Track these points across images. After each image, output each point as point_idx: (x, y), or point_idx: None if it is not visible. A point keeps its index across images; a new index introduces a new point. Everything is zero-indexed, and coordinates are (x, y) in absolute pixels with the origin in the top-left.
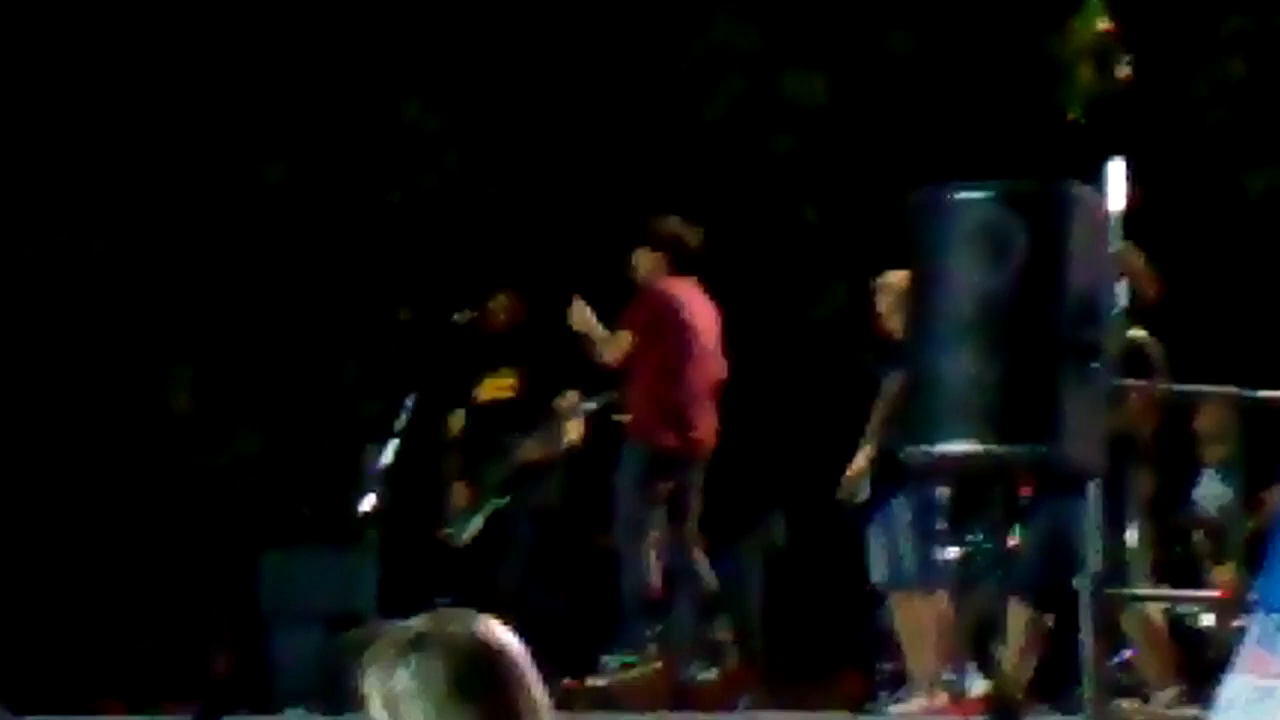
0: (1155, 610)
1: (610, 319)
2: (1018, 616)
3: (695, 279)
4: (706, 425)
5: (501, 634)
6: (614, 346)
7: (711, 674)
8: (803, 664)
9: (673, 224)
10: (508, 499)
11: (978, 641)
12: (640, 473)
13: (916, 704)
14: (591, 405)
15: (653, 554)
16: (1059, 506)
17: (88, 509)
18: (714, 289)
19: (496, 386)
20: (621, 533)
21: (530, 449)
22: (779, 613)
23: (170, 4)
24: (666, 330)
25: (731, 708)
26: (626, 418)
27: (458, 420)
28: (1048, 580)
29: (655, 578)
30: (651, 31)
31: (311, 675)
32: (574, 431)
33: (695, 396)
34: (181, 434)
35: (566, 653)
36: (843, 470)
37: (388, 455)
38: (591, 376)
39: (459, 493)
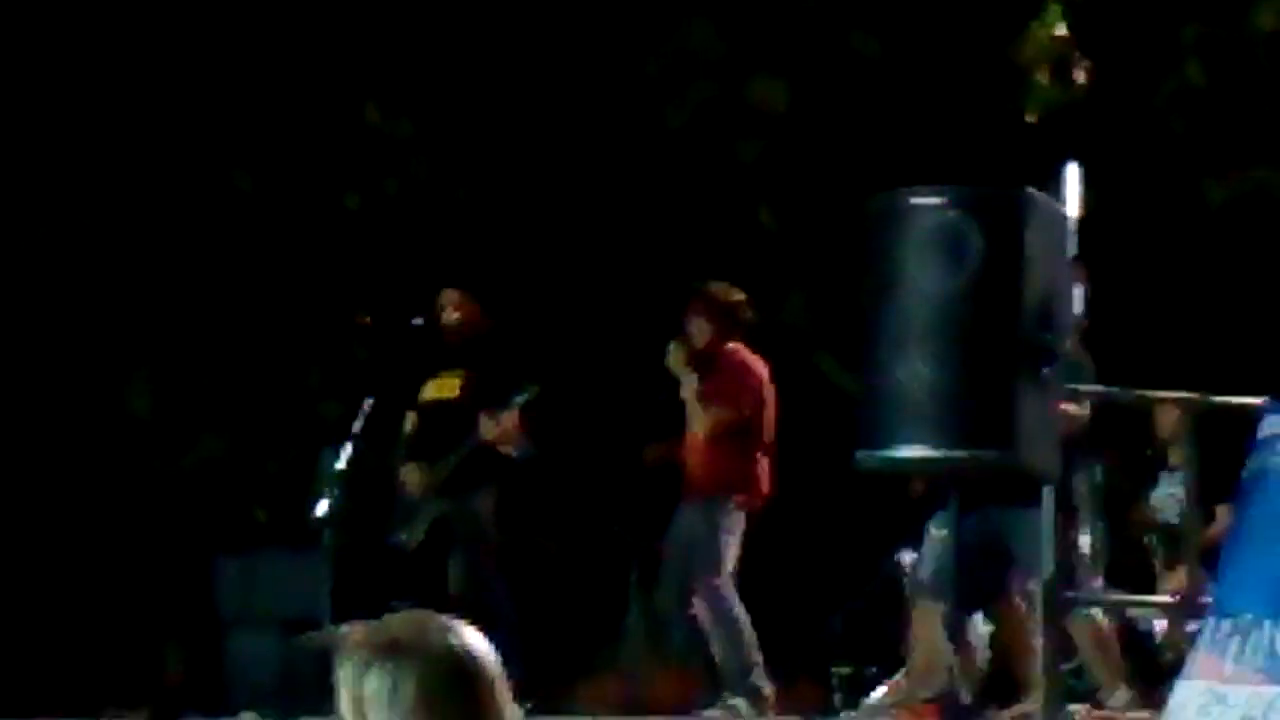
0: (1101, 614)
1: (573, 327)
2: (932, 619)
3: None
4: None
5: (478, 646)
6: (709, 422)
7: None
8: None
9: (725, 290)
10: (449, 502)
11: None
12: (726, 528)
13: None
14: (520, 399)
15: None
16: (993, 512)
17: (44, 512)
18: (671, 293)
19: (441, 387)
20: (711, 592)
21: (484, 427)
22: None
23: (137, 10)
24: (750, 397)
25: (685, 713)
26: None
27: (411, 420)
28: (974, 586)
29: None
30: (617, 38)
31: (267, 679)
32: (510, 424)
33: (767, 457)
34: (140, 437)
35: (520, 653)
36: (799, 475)
37: (344, 459)
38: (538, 379)
39: (413, 490)
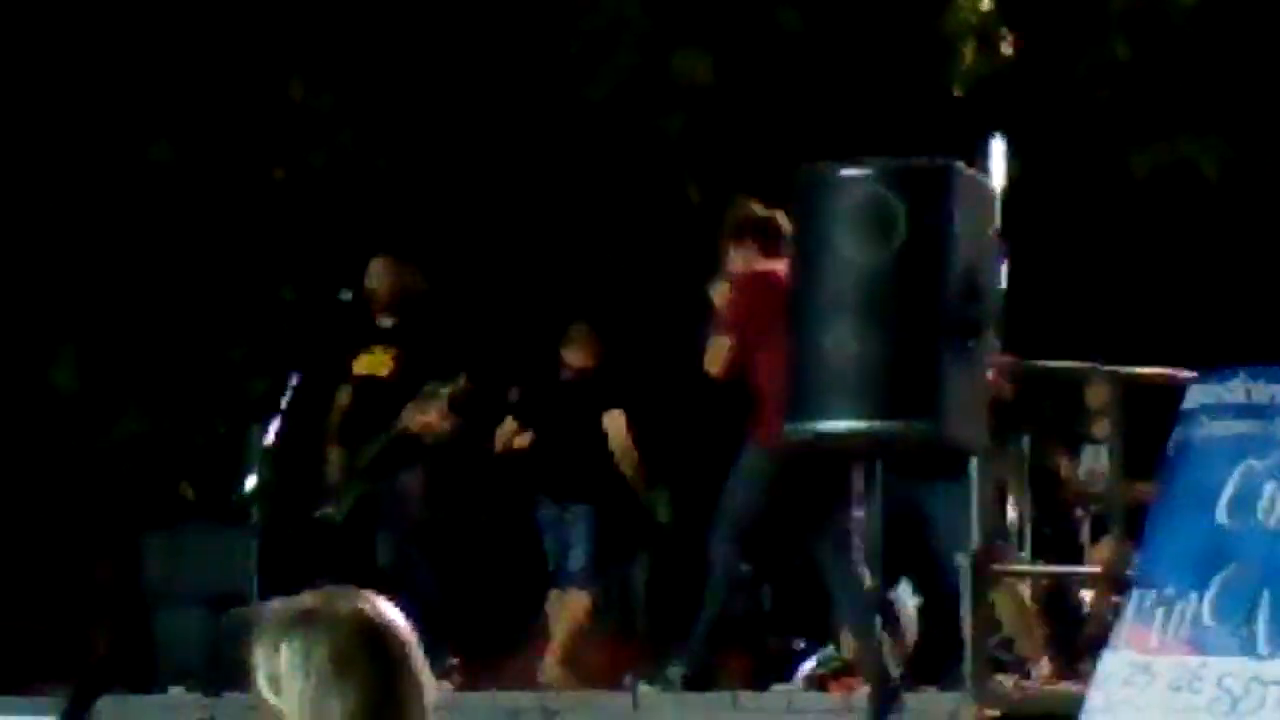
0: (1023, 586)
1: (500, 299)
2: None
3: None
4: None
5: (388, 613)
6: (715, 356)
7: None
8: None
9: (753, 208)
10: (376, 483)
11: None
12: (737, 473)
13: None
14: (445, 389)
15: None
16: (911, 486)
17: None
18: (598, 268)
19: (374, 363)
20: (728, 541)
21: (409, 417)
22: (663, 591)
23: None
24: (774, 317)
25: (617, 686)
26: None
27: (344, 396)
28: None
29: None
30: (541, 7)
31: (194, 654)
32: (435, 415)
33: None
34: (65, 413)
35: (447, 631)
36: (728, 447)
37: (270, 434)
38: (467, 356)
39: (335, 469)
